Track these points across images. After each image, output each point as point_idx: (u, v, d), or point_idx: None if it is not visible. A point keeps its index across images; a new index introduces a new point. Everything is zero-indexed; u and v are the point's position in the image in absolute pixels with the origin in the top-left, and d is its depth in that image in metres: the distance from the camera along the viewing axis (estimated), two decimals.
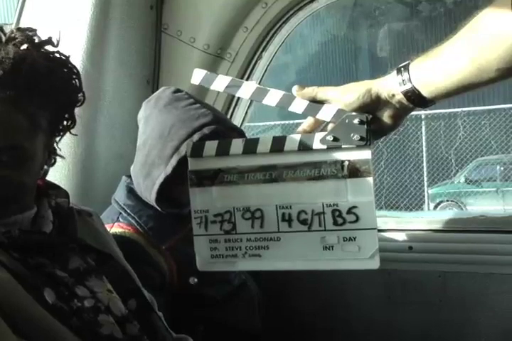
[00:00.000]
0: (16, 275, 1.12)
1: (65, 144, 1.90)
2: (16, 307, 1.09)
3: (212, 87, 1.31)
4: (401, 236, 1.94)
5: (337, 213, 1.22)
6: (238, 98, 2.07)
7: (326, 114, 1.22)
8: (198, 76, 1.31)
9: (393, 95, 1.17)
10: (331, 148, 1.21)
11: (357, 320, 1.94)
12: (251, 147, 1.26)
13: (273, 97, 1.26)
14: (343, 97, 1.20)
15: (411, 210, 7.84)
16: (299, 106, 1.24)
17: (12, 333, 1.04)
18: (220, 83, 1.30)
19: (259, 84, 2.11)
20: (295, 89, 1.24)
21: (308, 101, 1.23)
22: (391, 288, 1.91)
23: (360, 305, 1.94)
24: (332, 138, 1.20)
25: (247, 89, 1.28)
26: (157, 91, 1.69)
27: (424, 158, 8.46)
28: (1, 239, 1.16)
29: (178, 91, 1.65)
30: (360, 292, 1.89)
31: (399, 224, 1.97)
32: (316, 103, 1.23)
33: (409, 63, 1.16)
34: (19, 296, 1.11)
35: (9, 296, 1.09)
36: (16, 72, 1.13)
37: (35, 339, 1.09)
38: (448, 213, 4.20)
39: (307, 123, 1.27)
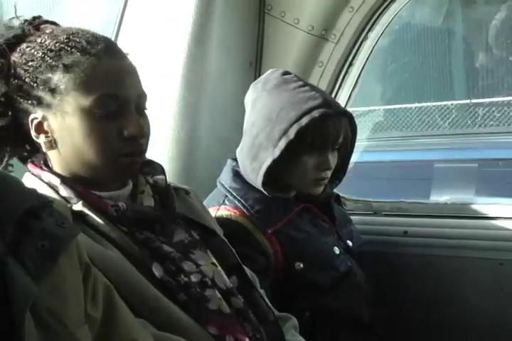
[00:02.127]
0: (126, 251, 1.14)
1: (169, 127, 1.93)
2: (127, 285, 1.10)
3: None
4: None
5: None
6: (342, 80, 2.03)
7: None
8: None
9: None
10: None
11: (468, 312, 1.86)
12: None
13: None
14: None
15: None
16: None
17: (131, 313, 1.05)
18: None
19: (364, 66, 2.07)
20: None
21: None
22: (504, 278, 1.82)
23: (469, 297, 1.86)
24: None
25: None
26: (265, 74, 1.66)
27: None
28: (111, 212, 1.16)
29: (286, 73, 1.62)
30: (471, 282, 1.81)
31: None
32: None
33: None
34: (130, 274, 1.12)
35: (121, 275, 1.11)
36: None
37: (146, 316, 1.10)
38: None
39: None
